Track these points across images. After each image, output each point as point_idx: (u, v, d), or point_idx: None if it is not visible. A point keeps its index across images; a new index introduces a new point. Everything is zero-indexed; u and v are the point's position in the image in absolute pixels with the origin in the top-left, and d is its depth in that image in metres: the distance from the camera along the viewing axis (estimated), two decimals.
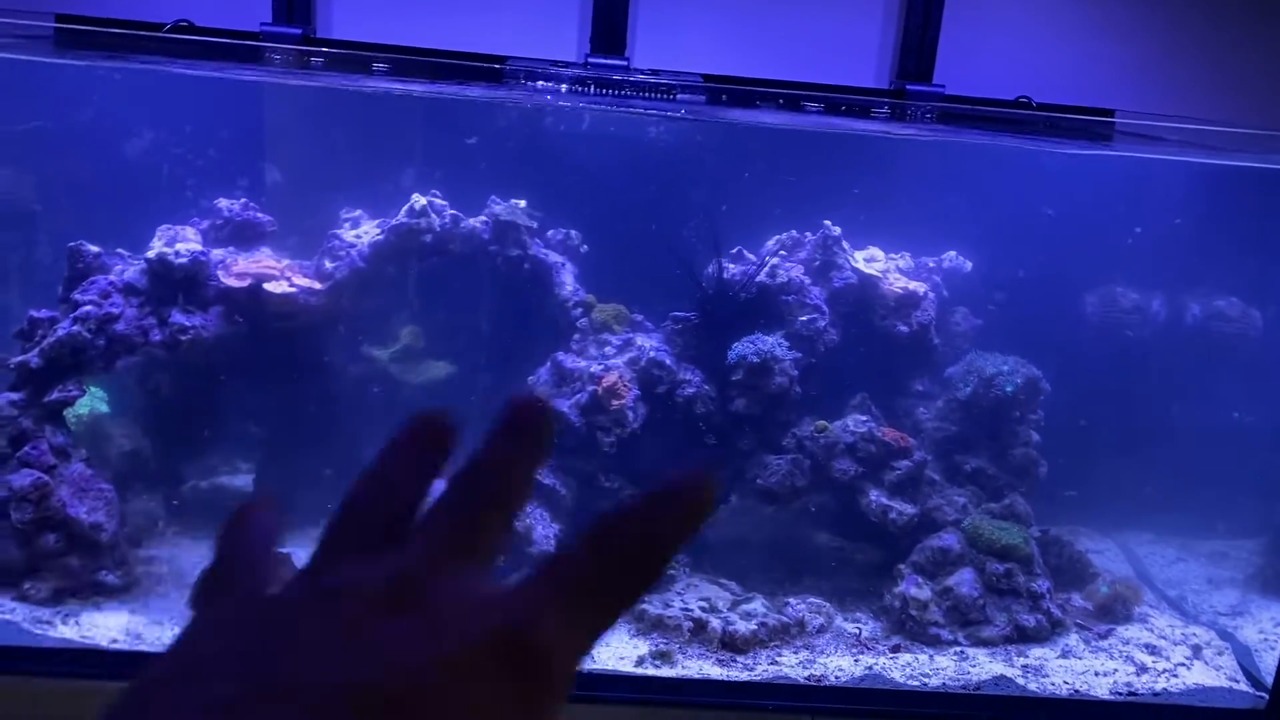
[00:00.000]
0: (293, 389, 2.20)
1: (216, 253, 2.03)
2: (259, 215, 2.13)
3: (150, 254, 1.95)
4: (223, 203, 2.11)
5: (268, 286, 1.97)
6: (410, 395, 2.33)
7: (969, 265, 2.31)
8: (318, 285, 1.98)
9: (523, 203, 2.14)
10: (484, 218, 2.12)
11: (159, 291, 1.96)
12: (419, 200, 2.04)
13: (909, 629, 2.01)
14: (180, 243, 1.97)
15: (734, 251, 2.20)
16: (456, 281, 2.20)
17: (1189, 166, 2.33)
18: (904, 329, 2.15)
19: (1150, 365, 2.38)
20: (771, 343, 2.07)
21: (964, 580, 2.02)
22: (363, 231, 2.10)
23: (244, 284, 1.96)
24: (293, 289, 1.92)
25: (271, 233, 2.15)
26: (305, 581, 0.35)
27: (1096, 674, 1.94)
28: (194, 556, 2.03)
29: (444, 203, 2.12)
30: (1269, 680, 1.92)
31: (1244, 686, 1.96)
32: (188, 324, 1.93)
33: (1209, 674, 1.97)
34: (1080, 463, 2.41)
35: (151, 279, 1.96)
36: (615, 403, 2.03)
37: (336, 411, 2.27)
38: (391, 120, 2.41)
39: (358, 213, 2.16)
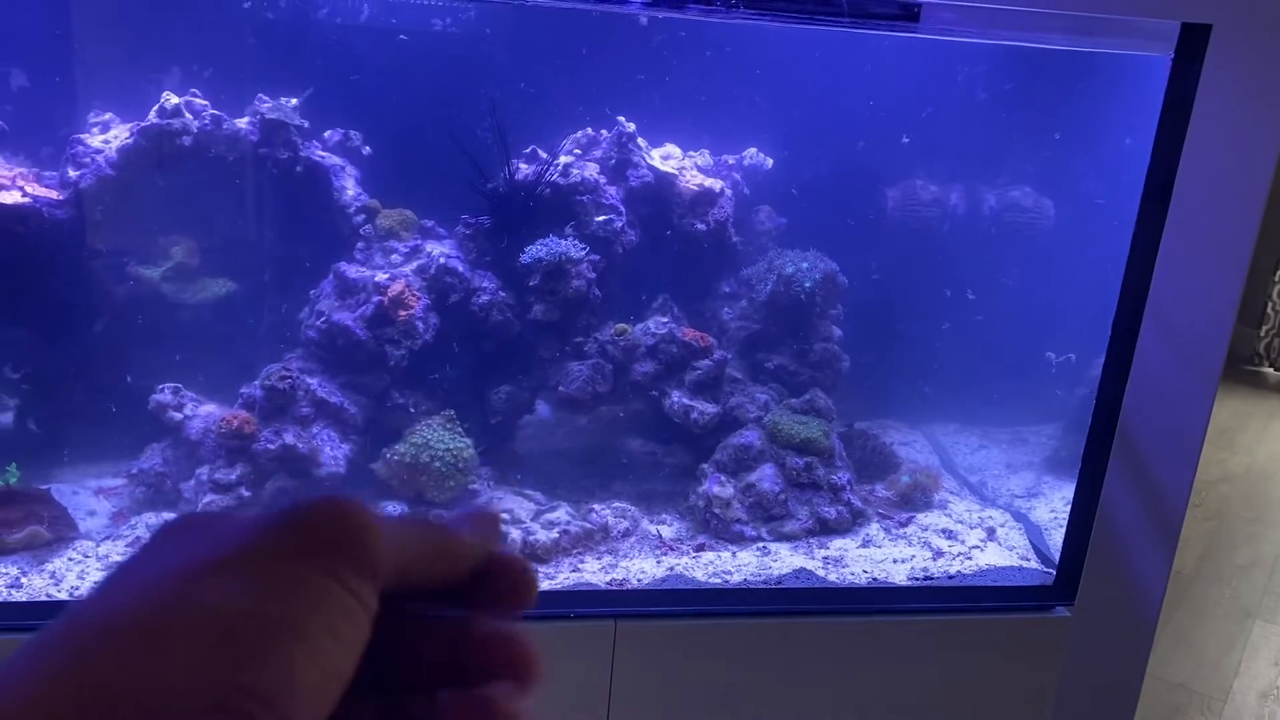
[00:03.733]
0: (51, 316, 2.02)
1: None
2: None
3: None
4: None
5: None
6: (189, 317, 2.17)
7: (770, 162, 2.27)
8: (55, 195, 1.79)
9: (294, 101, 1.98)
10: (249, 118, 1.96)
11: None
12: (171, 99, 1.86)
13: (714, 528, 2.00)
14: None
15: (528, 151, 2.10)
16: (227, 190, 2.03)
17: (992, 53, 2.32)
18: (701, 227, 2.10)
19: (952, 258, 2.40)
20: (566, 244, 1.99)
21: (765, 476, 2.01)
22: (112, 136, 1.91)
23: None
24: (26, 199, 1.73)
25: (4, 137, 1.93)
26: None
27: (895, 561, 1.98)
28: None
29: (204, 103, 1.94)
30: (1057, 556, 1.99)
31: (1034, 564, 2.02)
32: None
33: (1002, 554, 2.03)
34: (888, 358, 2.44)
35: None
36: (403, 313, 1.92)
37: (106, 338, 2.10)
38: (154, 17, 2.19)
39: (108, 116, 1.96)
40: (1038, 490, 2.29)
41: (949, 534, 2.07)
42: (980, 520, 2.13)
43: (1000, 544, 2.06)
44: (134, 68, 2.15)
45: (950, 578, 1.95)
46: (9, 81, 2.13)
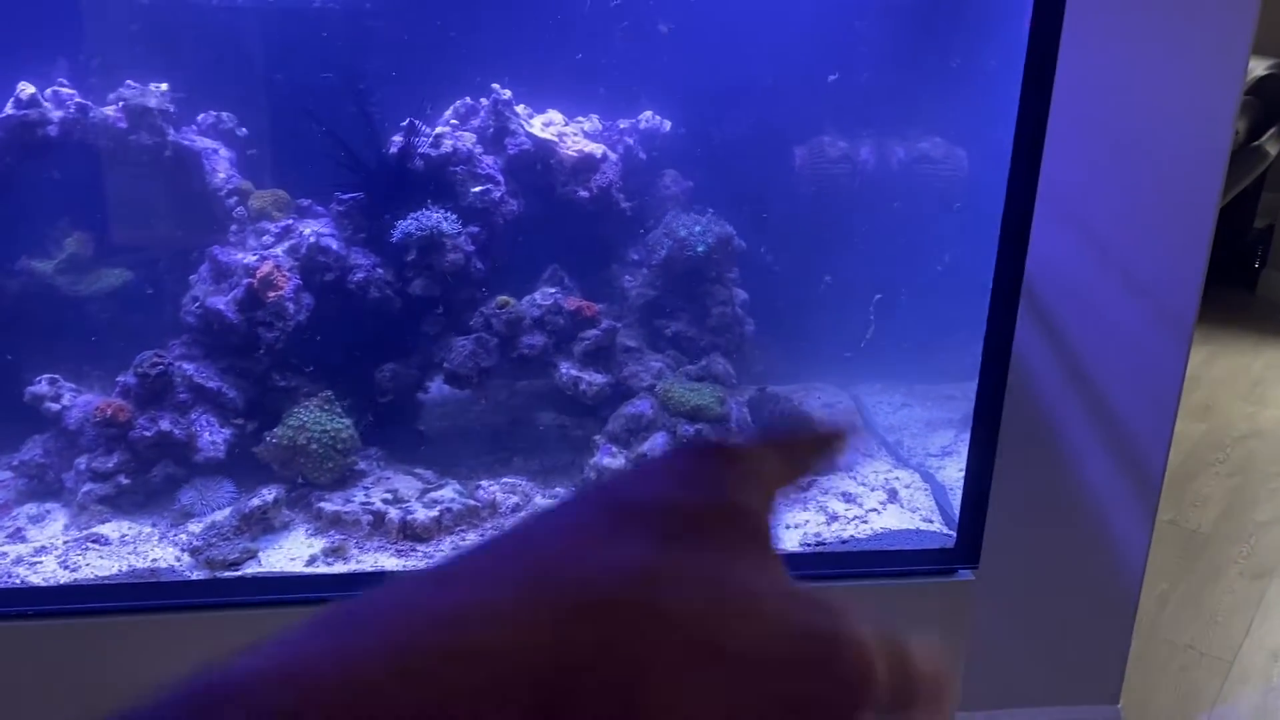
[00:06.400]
0: None
1: None
2: None
3: None
4: None
5: None
6: (92, 309, 2.17)
7: (667, 125, 2.20)
8: None
9: (164, 86, 1.97)
10: (115, 105, 1.94)
11: None
12: (26, 89, 1.85)
13: None
14: None
15: (405, 124, 2.06)
16: (104, 179, 2.02)
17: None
18: (584, 194, 2.05)
19: (862, 212, 2.32)
20: (437, 217, 1.95)
21: (656, 445, 1.97)
22: None
23: None
24: None
25: None
26: None
27: (788, 527, 1.93)
28: None
29: (71, 91, 1.93)
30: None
31: (938, 526, 1.96)
32: None
33: (902, 516, 1.97)
34: (805, 320, 2.37)
35: None
36: (272, 294, 1.90)
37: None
38: (39, 8, 2.18)
39: None
40: (953, 448, 2.22)
41: (848, 497, 2.01)
42: (885, 481, 2.07)
43: (903, 506, 2.00)
44: (16, 61, 2.14)
45: (843, 542, 1.90)
46: None
